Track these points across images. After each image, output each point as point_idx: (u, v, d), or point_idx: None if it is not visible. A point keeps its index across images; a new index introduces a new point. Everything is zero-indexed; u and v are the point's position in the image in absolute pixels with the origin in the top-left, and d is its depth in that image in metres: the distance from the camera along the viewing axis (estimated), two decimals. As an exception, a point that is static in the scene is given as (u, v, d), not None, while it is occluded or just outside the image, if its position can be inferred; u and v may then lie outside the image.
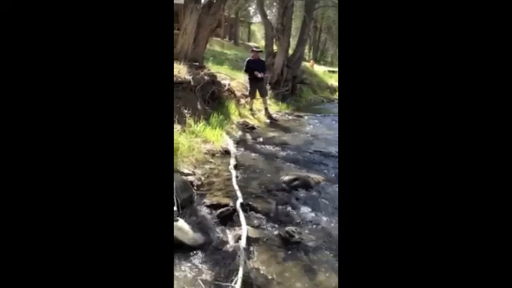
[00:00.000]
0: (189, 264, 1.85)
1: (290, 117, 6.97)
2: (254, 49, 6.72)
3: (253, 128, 5.45)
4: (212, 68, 6.64)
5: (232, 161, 3.54)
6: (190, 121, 4.06)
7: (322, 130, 5.75)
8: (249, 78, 6.40)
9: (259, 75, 6.13)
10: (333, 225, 2.40)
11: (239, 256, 1.88)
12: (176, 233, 2.00)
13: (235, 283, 1.60)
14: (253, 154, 4.08)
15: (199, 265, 1.85)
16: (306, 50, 18.08)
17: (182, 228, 2.09)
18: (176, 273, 1.73)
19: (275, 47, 8.77)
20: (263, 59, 7.40)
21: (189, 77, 4.70)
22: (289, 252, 2.04)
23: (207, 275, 1.76)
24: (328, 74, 13.87)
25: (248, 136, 4.99)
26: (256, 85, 6.37)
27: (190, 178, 2.90)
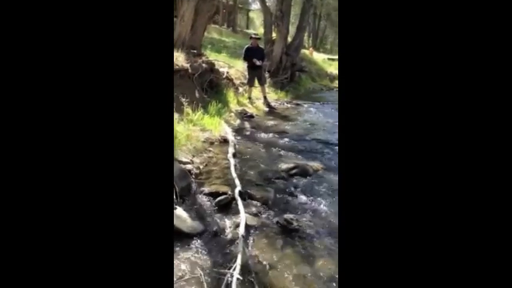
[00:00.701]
0: (187, 252, 1.85)
1: (289, 105, 6.94)
2: (253, 36, 6.64)
3: (251, 116, 5.43)
4: (210, 55, 6.57)
5: (231, 150, 3.53)
6: (188, 109, 4.03)
7: (321, 118, 5.73)
8: (248, 66, 6.35)
9: (258, 63, 6.07)
10: (331, 212, 2.41)
11: (237, 243, 1.89)
12: (175, 221, 2.00)
13: (234, 270, 1.61)
14: (251, 142, 4.07)
15: (198, 252, 1.86)
16: (305, 38, 17.89)
17: (180, 216, 2.10)
18: (175, 261, 1.74)
19: (274, 35, 8.67)
20: (262, 46, 7.31)
21: (186, 65, 4.65)
22: (288, 239, 2.05)
23: (206, 262, 1.77)
24: (327, 62, 13.76)
25: (247, 124, 4.98)
26: (254, 73, 6.32)
27: (188, 166, 2.89)
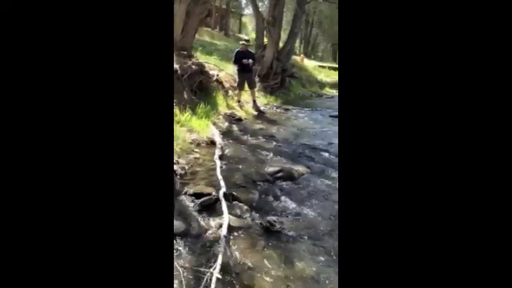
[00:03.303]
0: (168, 251, 1.84)
1: (278, 110, 6.98)
2: (244, 43, 6.64)
3: (240, 119, 5.44)
4: (201, 57, 6.58)
5: (218, 152, 3.53)
6: (176, 110, 4.02)
7: (309, 124, 5.78)
8: (238, 70, 6.37)
9: (248, 62, 6.09)
10: (314, 215, 2.43)
11: (219, 244, 1.89)
12: (157, 220, 1.99)
13: (214, 269, 1.61)
14: (239, 145, 4.08)
15: (180, 251, 1.85)
16: (297, 44, 18.07)
17: (163, 215, 2.09)
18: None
19: (266, 40, 8.73)
20: (252, 51, 7.35)
21: (176, 66, 4.64)
22: (270, 240, 2.06)
23: (187, 261, 1.77)
24: (317, 69, 13.91)
25: (235, 127, 4.99)
26: (245, 77, 6.35)
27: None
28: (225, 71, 7.16)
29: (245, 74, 6.32)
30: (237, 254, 1.90)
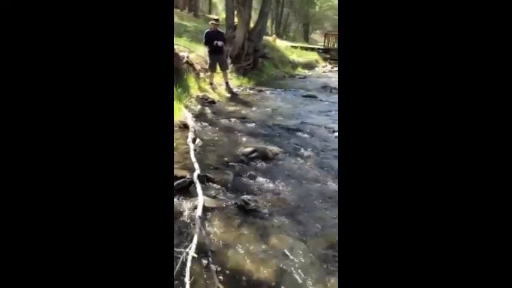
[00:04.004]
0: (143, 235, 1.85)
1: (251, 91, 6.96)
2: (213, 22, 6.49)
3: (213, 102, 5.39)
4: (170, 39, 6.38)
5: (191, 135, 3.50)
6: (146, 94, 3.92)
7: (282, 104, 5.82)
8: (209, 51, 6.26)
9: (219, 43, 5.99)
10: (287, 193, 2.50)
11: (194, 224, 1.91)
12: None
13: (190, 249, 1.63)
14: (212, 128, 4.06)
15: (155, 235, 1.86)
16: (268, 24, 17.85)
17: (137, 200, 2.07)
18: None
19: (236, 20, 8.57)
20: (223, 31, 7.21)
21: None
22: (245, 219, 2.10)
23: (162, 244, 1.78)
24: (290, 49, 13.87)
25: (208, 110, 4.94)
26: (216, 58, 6.25)
27: (146, 151, 2.84)
28: (196, 53, 7.01)
29: (216, 55, 6.22)
30: (212, 233, 1.93)
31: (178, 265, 1.57)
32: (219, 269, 1.63)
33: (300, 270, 1.67)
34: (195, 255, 1.61)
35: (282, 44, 14.60)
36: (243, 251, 1.79)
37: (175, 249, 1.69)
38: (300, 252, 1.81)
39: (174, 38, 7.18)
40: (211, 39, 6.07)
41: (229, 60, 7.52)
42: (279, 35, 18.43)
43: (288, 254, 1.80)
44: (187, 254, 1.60)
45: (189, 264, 1.54)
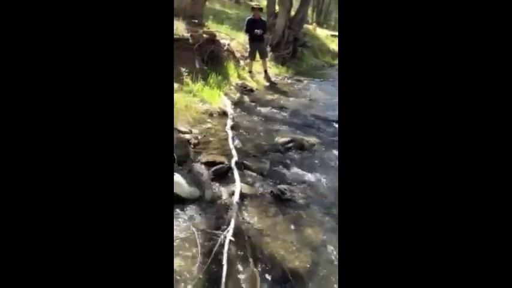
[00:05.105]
0: (183, 216, 1.94)
1: (289, 80, 6.90)
2: (254, 6, 6.46)
3: (251, 90, 5.42)
4: (211, 26, 6.46)
5: (229, 122, 3.57)
6: (187, 80, 4.03)
7: (321, 95, 5.73)
8: (249, 39, 6.26)
9: (259, 31, 5.98)
10: (323, 185, 2.49)
11: (232, 210, 1.97)
12: (172, 187, 2.08)
13: (228, 232, 1.70)
14: (250, 116, 4.11)
15: (194, 217, 1.95)
16: (309, 12, 17.43)
17: (178, 182, 2.17)
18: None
19: (277, 7, 8.47)
20: (264, 18, 7.17)
21: (187, 35, 4.60)
22: (280, 208, 2.14)
23: (201, 226, 1.86)
24: (330, 38, 13.49)
25: (246, 98, 4.99)
26: (256, 46, 6.24)
27: (186, 136, 2.94)
28: (237, 40, 7.04)
29: (256, 43, 6.21)
30: (248, 219, 1.99)
31: (216, 247, 1.64)
32: (254, 253, 1.69)
33: (335, 263, 1.69)
34: (232, 239, 1.68)
35: (322, 32, 14.23)
36: (278, 239, 1.83)
37: (213, 231, 1.77)
38: (333, 244, 1.82)
39: (216, 25, 7.26)
40: (252, 27, 6.06)
41: (268, 49, 7.48)
42: (320, 24, 17.96)
43: (322, 245, 1.81)
44: (225, 237, 1.67)
45: (226, 246, 1.60)
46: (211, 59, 5.24)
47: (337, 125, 3.97)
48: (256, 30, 5.97)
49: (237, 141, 3.12)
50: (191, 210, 2.01)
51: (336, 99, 5.34)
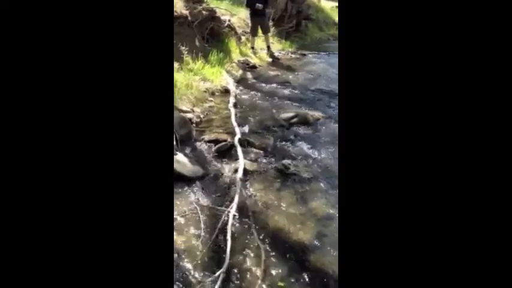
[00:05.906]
0: (187, 193, 1.94)
1: (293, 55, 6.75)
2: None
3: (254, 66, 5.31)
4: (211, 2, 6.28)
5: (232, 100, 3.52)
6: (188, 58, 3.96)
7: (325, 69, 5.59)
8: (250, 14, 6.08)
9: (260, 6, 5.79)
10: (328, 159, 2.46)
11: (236, 186, 1.97)
12: (175, 166, 2.07)
13: (231, 208, 1.70)
14: (253, 93, 4.04)
15: (197, 194, 1.95)
16: (313, -17, 16.81)
17: (181, 161, 2.16)
18: (174, 201, 1.83)
19: (279, -21, 8.17)
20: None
21: (186, 12, 4.48)
22: (284, 182, 2.12)
23: (205, 203, 1.86)
24: (335, 10, 13.07)
25: (249, 75, 4.90)
26: (258, 21, 6.07)
27: (189, 115, 2.92)
28: (237, 16, 6.86)
29: (258, 18, 6.03)
30: (252, 195, 1.98)
31: (220, 223, 1.64)
32: (258, 228, 1.69)
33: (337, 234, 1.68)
34: (236, 214, 1.67)
35: (327, 4, 13.77)
36: (282, 213, 1.83)
37: (217, 207, 1.77)
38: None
39: (216, 1, 7.06)
40: (253, 1, 5.87)
41: (271, 23, 7.28)
42: (324, -5, 17.35)
43: (328, 217, 1.80)
44: (229, 212, 1.66)
45: (230, 222, 1.60)
46: (212, 36, 5.13)
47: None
48: (257, 5, 5.78)
49: (239, 118, 3.09)
50: (194, 187, 2.00)
51: (341, 72, 5.22)
